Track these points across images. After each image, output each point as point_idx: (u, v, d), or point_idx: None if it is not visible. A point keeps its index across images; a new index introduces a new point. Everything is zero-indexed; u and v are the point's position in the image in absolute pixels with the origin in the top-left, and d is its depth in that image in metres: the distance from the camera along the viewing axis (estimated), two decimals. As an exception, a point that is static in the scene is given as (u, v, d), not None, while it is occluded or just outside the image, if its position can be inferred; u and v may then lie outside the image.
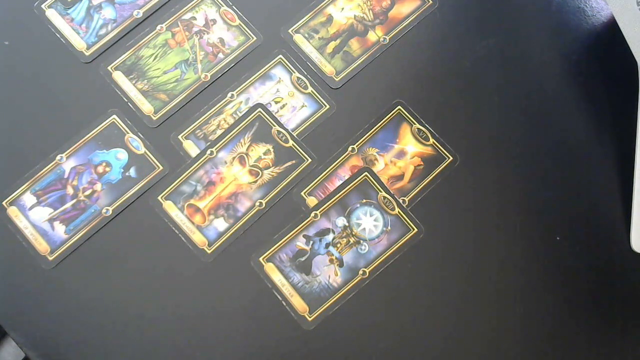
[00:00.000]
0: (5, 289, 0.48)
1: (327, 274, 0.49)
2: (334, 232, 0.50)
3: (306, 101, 0.53)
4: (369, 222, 0.50)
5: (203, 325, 0.48)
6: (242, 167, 0.51)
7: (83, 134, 0.51)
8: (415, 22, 0.55)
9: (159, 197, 0.50)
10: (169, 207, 0.50)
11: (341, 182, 0.51)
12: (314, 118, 0.52)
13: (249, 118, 0.52)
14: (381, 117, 0.53)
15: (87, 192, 0.49)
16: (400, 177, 0.52)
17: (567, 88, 0.55)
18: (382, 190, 0.51)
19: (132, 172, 0.50)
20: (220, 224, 0.50)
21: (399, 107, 0.53)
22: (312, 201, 0.51)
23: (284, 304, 0.48)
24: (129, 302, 0.48)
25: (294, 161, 0.51)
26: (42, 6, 0.53)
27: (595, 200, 0.53)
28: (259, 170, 0.51)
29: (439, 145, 0.52)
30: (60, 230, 0.49)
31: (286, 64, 0.53)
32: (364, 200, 0.51)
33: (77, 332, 0.47)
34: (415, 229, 0.50)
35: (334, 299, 0.49)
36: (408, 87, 0.54)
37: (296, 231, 0.50)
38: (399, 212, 0.51)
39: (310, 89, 0.53)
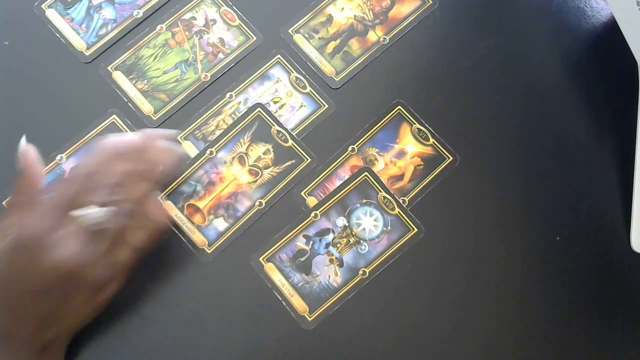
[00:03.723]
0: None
1: (327, 274, 0.49)
2: (334, 232, 0.50)
3: (305, 101, 0.53)
4: (369, 222, 0.50)
5: (203, 325, 0.48)
6: (241, 166, 0.51)
7: (83, 134, 0.51)
8: (415, 22, 0.55)
9: (159, 197, 0.50)
10: (169, 207, 0.50)
11: (341, 182, 0.51)
12: (313, 118, 0.52)
13: (248, 118, 0.52)
14: (381, 117, 0.53)
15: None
16: (400, 177, 0.52)
17: (567, 88, 0.55)
18: (382, 190, 0.51)
19: (132, 172, 0.50)
20: (220, 224, 0.50)
21: (399, 107, 0.53)
22: (312, 201, 0.51)
23: (284, 304, 0.48)
24: (128, 301, 0.47)
25: (293, 161, 0.51)
26: (42, 6, 0.53)
27: (595, 200, 0.52)
28: (259, 170, 0.51)
29: (439, 145, 0.52)
30: (60, 230, 0.49)
31: (284, 64, 0.53)
32: (364, 200, 0.51)
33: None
34: (415, 229, 0.50)
35: (334, 299, 0.49)
36: (408, 87, 0.54)
37: (296, 231, 0.50)
38: (399, 212, 0.51)
39: (308, 88, 0.53)
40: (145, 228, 0.43)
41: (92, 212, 0.39)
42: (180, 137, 0.51)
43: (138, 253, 0.43)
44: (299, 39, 0.54)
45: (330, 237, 0.50)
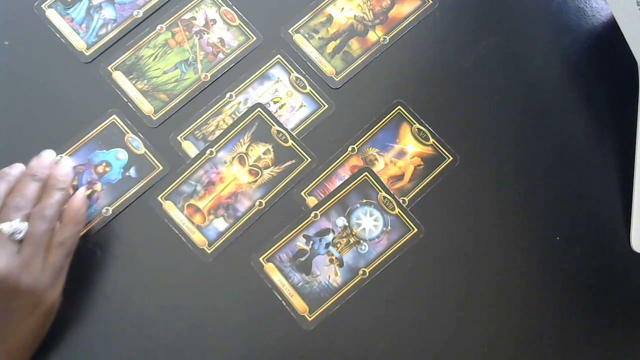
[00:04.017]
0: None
1: (327, 274, 0.49)
2: (334, 232, 0.50)
3: (305, 101, 0.53)
4: (369, 222, 0.50)
5: (203, 325, 0.48)
6: (241, 166, 0.51)
7: (83, 134, 0.51)
8: (415, 22, 0.55)
9: (159, 197, 0.50)
10: (169, 207, 0.50)
11: (341, 182, 0.51)
12: (313, 118, 0.52)
13: (248, 118, 0.52)
14: (381, 117, 0.53)
15: (87, 192, 0.49)
16: (400, 177, 0.52)
17: (567, 88, 0.55)
18: (382, 190, 0.51)
19: (132, 172, 0.50)
20: (220, 224, 0.50)
21: (399, 107, 0.53)
22: (312, 201, 0.51)
23: (284, 304, 0.48)
24: (128, 301, 0.48)
25: (293, 161, 0.51)
26: (42, 6, 0.53)
27: (595, 200, 0.52)
28: (259, 170, 0.51)
29: (439, 145, 0.52)
30: (60, 230, 0.49)
31: (284, 64, 0.53)
32: (364, 200, 0.51)
33: (76, 332, 0.47)
34: (415, 229, 0.50)
35: (334, 299, 0.49)
36: (408, 87, 0.54)
37: (296, 231, 0.50)
38: (399, 212, 0.51)
39: (308, 88, 0.53)
40: (70, 223, 0.44)
41: (13, 223, 0.42)
42: (180, 137, 0.51)
43: (68, 251, 0.44)
44: (299, 39, 0.54)
45: (330, 237, 0.50)
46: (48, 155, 0.47)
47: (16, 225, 0.42)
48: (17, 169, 0.45)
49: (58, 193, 0.45)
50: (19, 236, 0.42)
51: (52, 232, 0.44)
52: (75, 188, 0.49)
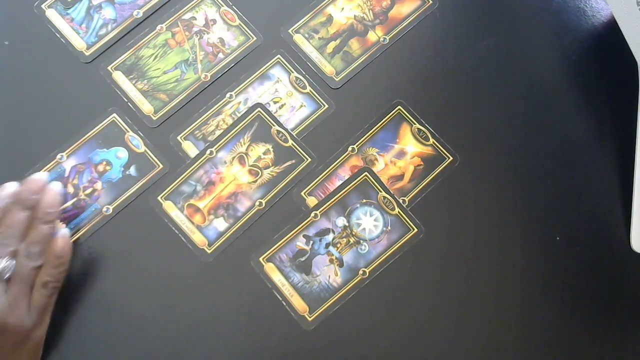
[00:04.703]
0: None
1: (327, 274, 0.49)
2: (334, 232, 0.50)
3: (305, 101, 0.53)
4: (369, 222, 0.50)
5: (203, 325, 0.48)
6: (241, 166, 0.51)
7: (83, 133, 0.51)
8: (415, 22, 0.55)
9: (159, 197, 0.50)
10: (169, 207, 0.50)
11: (341, 182, 0.51)
12: (313, 118, 0.52)
13: (248, 118, 0.52)
14: (381, 117, 0.53)
15: (88, 191, 0.49)
16: (400, 177, 0.52)
17: (567, 88, 0.55)
18: (382, 190, 0.51)
19: (132, 170, 0.50)
20: (220, 224, 0.50)
21: (399, 107, 0.53)
22: (312, 201, 0.51)
23: (284, 304, 0.48)
24: (128, 301, 0.47)
25: (293, 161, 0.51)
26: (42, 6, 0.53)
27: (595, 200, 0.52)
28: (259, 170, 0.51)
29: (439, 145, 0.52)
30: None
31: (284, 64, 0.53)
32: (364, 200, 0.51)
33: (76, 332, 0.47)
34: (415, 229, 0.50)
35: (334, 299, 0.49)
36: (408, 87, 0.54)
37: (296, 231, 0.50)
38: (399, 212, 0.51)
39: (308, 88, 0.53)
40: (53, 265, 0.44)
41: (1, 262, 0.42)
42: (180, 137, 0.51)
43: (52, 291, 0.44)
44: (299, 39, 0.54)
45: (330, 237, 0.50)
46: (38, 180, 0.46)
47: (4, 264, 0.42)
48: (8, 189, 0.45)
49: (45, 227, 0.44)
50: (7, 275, 0.43)
51: (39, 269, 0.44)
52: (76, 187, 0.49)
